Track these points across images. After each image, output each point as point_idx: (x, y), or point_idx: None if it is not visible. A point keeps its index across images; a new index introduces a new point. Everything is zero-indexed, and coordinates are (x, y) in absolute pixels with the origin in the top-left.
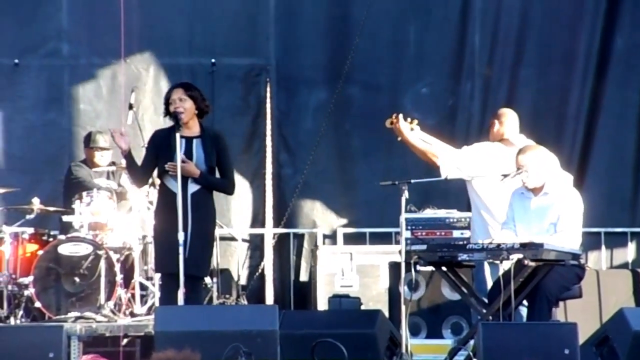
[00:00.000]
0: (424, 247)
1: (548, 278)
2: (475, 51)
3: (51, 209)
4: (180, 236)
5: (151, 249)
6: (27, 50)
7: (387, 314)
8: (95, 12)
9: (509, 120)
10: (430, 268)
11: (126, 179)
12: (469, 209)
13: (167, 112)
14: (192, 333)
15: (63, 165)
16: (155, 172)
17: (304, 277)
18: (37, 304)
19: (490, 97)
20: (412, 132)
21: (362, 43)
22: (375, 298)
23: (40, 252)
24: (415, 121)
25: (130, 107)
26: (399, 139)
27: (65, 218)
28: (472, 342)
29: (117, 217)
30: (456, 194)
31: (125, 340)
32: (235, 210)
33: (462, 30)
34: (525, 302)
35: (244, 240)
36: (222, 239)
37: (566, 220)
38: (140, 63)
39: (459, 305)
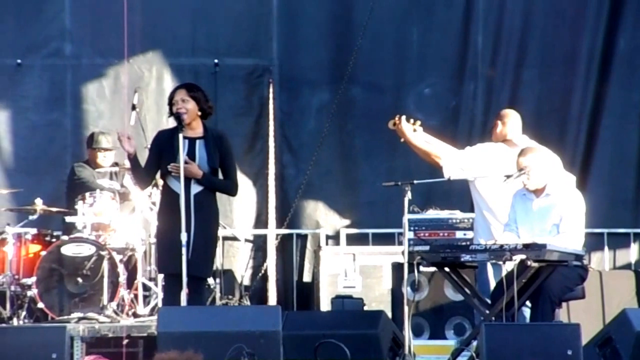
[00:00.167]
0: (427, 247)
1: (551, 279)
2: (478, 52)
3: (54, 209)
4: (183, 237)
5: (154, 249)
6: (29, 50)
7: (389, 314)
8: (98, 13)
9: (511, 121)
10: (433, 269)
11: (129, 180)
12: (471, 209)
13: (171, 113)
14: (195, 334)
15: (66, 165)
16: (159, 173)
17: (306, 277)
18: (40, 305)
19: (493, 97)
20: (414, 133)
21: (364, 44)
22: (378, 299)
23: (43, 253)
24: (418, 122)
25: (133, 107)
26: (402, 140)
27: (68, 219)
28: (475, 342)
29: (120, 218)
30: (459, 194)
31: (127, 341)
32: (238, 210)
33: (465, 31)
34: (528, 303)
35: (247, 240)
36: (225, 239)
37: (569, 221)
38: (143, 63)
39: (461, 306)
